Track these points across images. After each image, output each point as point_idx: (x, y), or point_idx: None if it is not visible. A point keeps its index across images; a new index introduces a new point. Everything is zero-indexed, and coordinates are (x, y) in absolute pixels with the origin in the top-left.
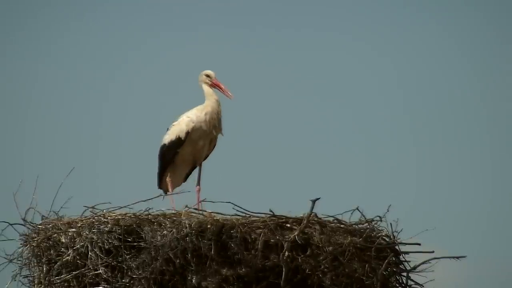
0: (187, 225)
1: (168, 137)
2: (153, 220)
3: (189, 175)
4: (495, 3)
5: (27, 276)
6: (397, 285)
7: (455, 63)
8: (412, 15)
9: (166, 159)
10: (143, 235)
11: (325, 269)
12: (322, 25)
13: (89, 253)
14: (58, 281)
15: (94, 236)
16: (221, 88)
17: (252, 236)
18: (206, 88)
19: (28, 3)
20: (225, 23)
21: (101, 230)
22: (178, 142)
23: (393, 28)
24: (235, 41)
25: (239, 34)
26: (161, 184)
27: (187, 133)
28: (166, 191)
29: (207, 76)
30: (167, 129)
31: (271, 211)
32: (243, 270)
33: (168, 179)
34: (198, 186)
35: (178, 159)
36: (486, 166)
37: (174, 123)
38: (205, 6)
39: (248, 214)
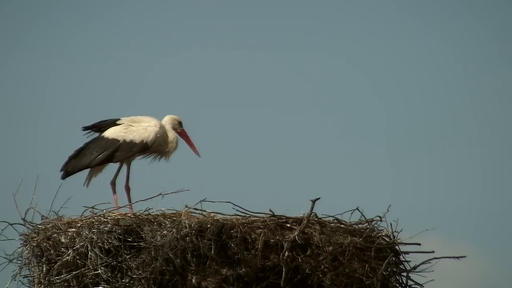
0: (187, 225)
1: (137, 137)
2: (153, 220)
3: None
4: (495, 3)
5: (27, 276)
6: (397, 285)
7: (453, 62)
8: (407, 16)
9: (117, 155)
10: (143, 235)
11: (325, 269)
12: (320, 26)
13: (89, 253)
14: (58, 281)
15: (94, 236)
16: (189, 142)
17: (252, 236)
18: (172, 133)
19: (31, 4)
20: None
21: (101, 230)
22: (144, 146)
23: (389, 27)
24: (234, 43)
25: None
26: (87, 181)
27: (152, 141)
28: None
29: (179, 123)
30: (114, 122)
31: (271, 211)
32: (243, 270)
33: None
34: (128, 186)
35: (131, 158)
36: (486, 166)
37: (133, 124)
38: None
39: (248, 214)
